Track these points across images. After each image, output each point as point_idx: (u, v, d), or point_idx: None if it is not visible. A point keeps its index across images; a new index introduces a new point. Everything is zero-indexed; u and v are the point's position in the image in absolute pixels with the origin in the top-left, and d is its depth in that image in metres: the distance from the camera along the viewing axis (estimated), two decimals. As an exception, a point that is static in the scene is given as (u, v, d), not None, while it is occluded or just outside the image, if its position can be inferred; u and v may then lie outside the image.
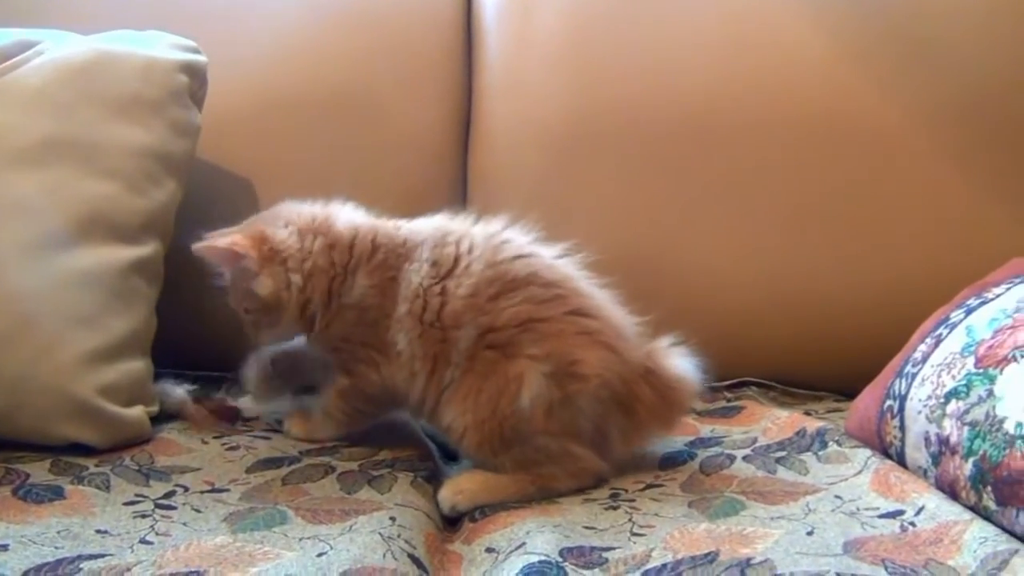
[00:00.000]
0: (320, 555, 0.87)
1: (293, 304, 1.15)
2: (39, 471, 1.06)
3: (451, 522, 1.05)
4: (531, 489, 1.06)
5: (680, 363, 1.13)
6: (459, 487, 1.07)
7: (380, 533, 0.91)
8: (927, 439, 1.03)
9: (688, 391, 1.13)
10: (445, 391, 1.10)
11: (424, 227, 1.17)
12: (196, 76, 1.34)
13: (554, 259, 1.15)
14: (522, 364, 1.06)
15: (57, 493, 1.01)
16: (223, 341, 1.35)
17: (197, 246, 1.14)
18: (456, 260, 1.11)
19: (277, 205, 1.21)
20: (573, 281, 1.13)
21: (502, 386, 1.06)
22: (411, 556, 0.89)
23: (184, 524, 0.95)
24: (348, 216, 1.20)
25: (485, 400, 1.07)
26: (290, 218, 1.17)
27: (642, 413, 1.11)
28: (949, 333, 1.09)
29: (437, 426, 1.15)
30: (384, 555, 0.87)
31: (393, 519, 0.95)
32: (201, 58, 1.36)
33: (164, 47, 1.33)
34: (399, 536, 0.92)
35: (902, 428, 1.08)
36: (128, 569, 0.85)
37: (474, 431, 1.08)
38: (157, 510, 0.98)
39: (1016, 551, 0.84)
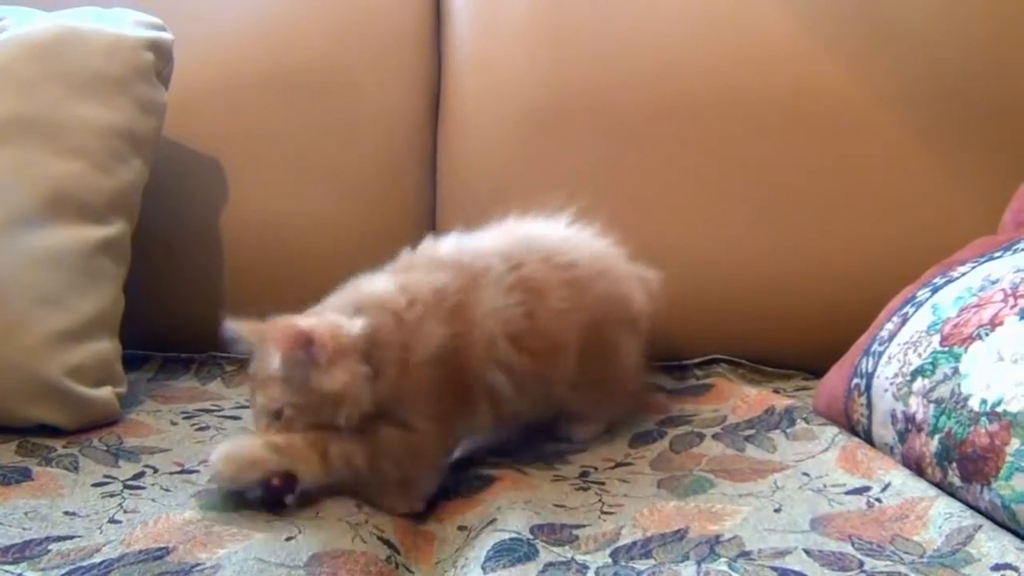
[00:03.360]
0: (289, 539, 0.86)
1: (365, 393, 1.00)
2: (6, 453, 1.06)
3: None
4: None
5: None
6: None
7: (347, 520, 0.91)
8: (893, 416, 1.04)
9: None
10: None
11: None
12: (162, 54, 1.33)
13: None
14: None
15: (24, 475, 1.00)
16: (191, 322, 1.35)
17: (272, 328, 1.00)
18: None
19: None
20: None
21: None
22: (380, 538, 0.89)
23: (153, 500, 0.95)
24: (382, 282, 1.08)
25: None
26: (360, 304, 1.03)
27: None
28: (915, 312, 1.10)
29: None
30: (352, 539, 0.87)
31: (360, 506, 0.95)
32: (167, 35, 1.34)
33: (129, 24, 1.32)
34: (367, 521, 0.92)
35: (869, 406, 1.09)
36: (97, 549, 0.84)
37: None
38: (126, 490, 0.98)
39: (980, 526, 0.85)
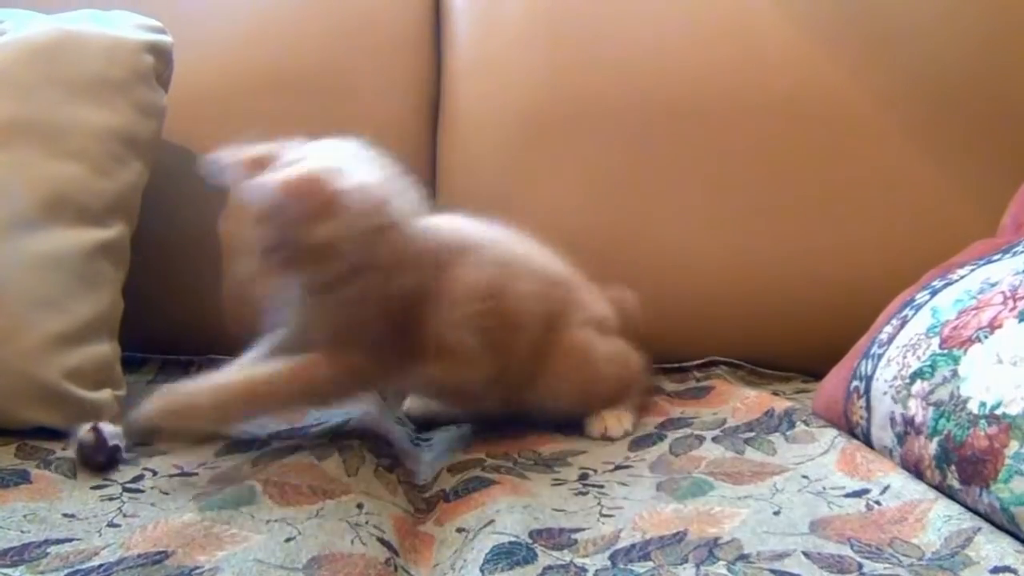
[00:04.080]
0: (288, 540, 0.86)
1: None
2: (5, 455, 1.06)
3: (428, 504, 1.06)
4: None
5: None
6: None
7: (347, 521, 0.91)
8: (893, 419, 1.04)
9: None
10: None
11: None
12: (162, 57, 1.33)
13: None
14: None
15: (23, 477, 1.00)
16: (191, 325, 1.34)
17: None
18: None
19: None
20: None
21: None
22: (380, 540, 0.89)
23: (152, 504, 0.95)
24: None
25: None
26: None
27: None
28: (914, 314, 1.10)
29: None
30: (352, 541, 0.87)
31: (360, 506, 0.95)
32: (167, 38, 1.34)
33: (129, 27, 1.32)
34: (367, 523, 0.92)
35: (868, 408, 1.08)
36: (96, 552, 0.84)
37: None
38: (125, 493, 0.98)
39: (979, 529, 0.85)
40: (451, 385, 1.15)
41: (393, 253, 1.05)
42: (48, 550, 0.85)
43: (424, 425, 1.28)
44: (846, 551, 0.84)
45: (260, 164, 1.03)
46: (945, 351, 1.00)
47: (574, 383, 1.18)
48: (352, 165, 1.04)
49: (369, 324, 1.06)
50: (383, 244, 1.04)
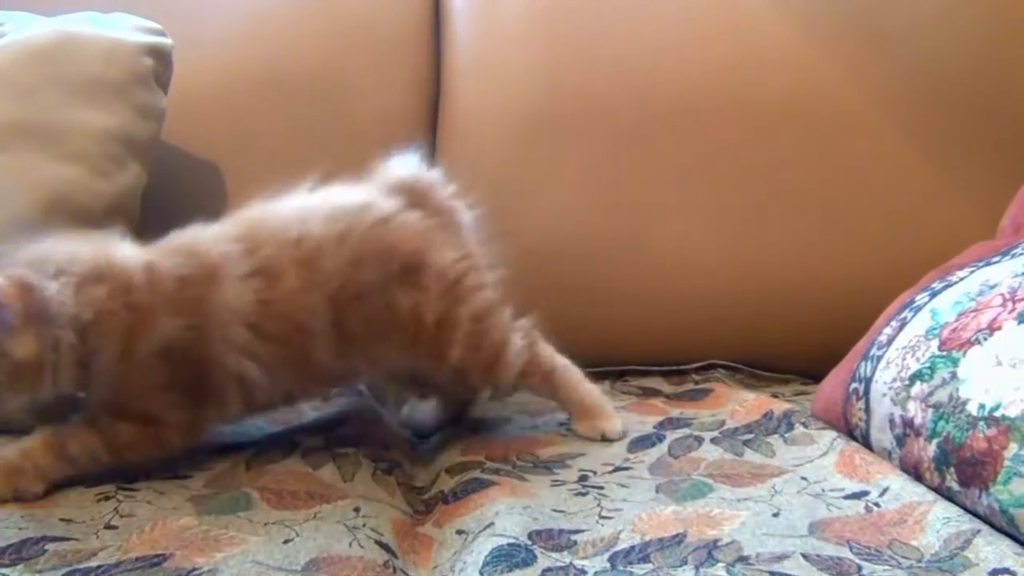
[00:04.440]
0: (286, 542, 0.86)
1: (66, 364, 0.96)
2: (2, 458, 1.05)
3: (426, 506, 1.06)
4: None
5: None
6: None
7: (345, 524, 0.91)
8: (892, 421, 1.03)
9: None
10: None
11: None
12: (161, 59, 1.33)
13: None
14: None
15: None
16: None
17: None
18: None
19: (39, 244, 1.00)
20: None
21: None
22: (378, 542, 0.89)
23: (148, 503, 0.95)
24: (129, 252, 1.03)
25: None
26: (61, 266, 0.97)
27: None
28: (914, 316, 1.10)
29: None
30: (350, 544, 0.87)
31: (357, 509, 0.95)
32: (166, 40, 1.34)
33: (129, 29, 1.32)
34: (364, 525, 0.92)
35: (867, 410, 1.08)
36: (94, 554, 0.84)
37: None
38: (120, 492, 0.97)
39: (978, 531, 0.85)
40: (264, 403, 1.09)
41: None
42: (46, 547, 0.85)
43: (424, 434, 1.27)
44: (845, 553, 0.84)
45: None
46: (944, 353, 1.00)
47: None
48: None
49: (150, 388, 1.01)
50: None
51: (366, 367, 1.15)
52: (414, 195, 1.14)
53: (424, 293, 1.11)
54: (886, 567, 0.82)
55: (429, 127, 1.55)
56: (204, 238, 1.06)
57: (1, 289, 0.91)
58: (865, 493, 0.96)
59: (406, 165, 1.18)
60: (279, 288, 1.05)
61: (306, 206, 1.12)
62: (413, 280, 1.10)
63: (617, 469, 1.09)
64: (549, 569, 0.83)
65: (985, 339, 0.97)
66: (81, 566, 0.82)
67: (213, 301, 1.02)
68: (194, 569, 0.81)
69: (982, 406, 0.92)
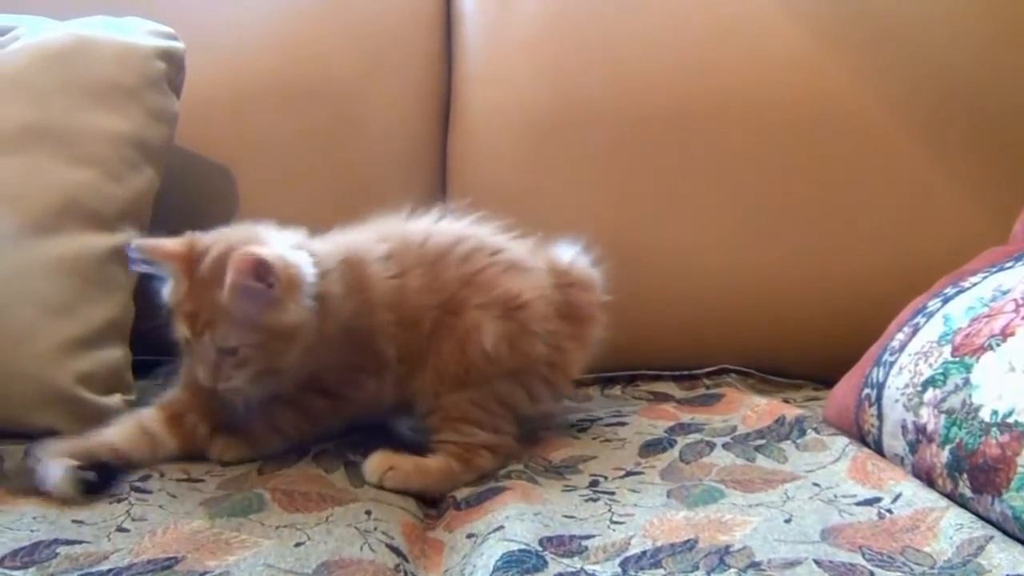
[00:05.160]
0: (298, 545, 0.87)
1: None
2: (15, 459, 1.06)
3: (432, 504, 1.06)
4: (457, 470, 1.07)
5: (577, 259, 1.21)
6: (391, 463, 1.05)
7: (356, 527, 0.91)
8: (904, 427, 1.03)
9: (595, 283, 1.20)
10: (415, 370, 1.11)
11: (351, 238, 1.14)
12: (174, 63, 1.33)
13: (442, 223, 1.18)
14: (473, 315, 1.09)
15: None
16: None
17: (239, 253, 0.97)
18: (390, 257, 1.11)
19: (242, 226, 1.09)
20: (474, 232, 1.17)
21: (462, 338, 1.08)
22: (389, 546, 0.89)
23: (160, 507, 0.95)
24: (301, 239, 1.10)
25: (447, 355, 1.09)
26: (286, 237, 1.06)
27: (584, 310, 1.17)
28: (926, 322, 1.09)
29: (410, 408, 1.14)
30: (361, 547, 0.87)
31: (369, 512, 0.95)
32: (179, 45, 1.35)
33: (142, 33, 1.32)
34: (376, 529, 0.92)
35: (880, 416, 1.08)
36: (105, 556, 0.84)
37: (439, 381, 1.09)
38: (133, 492, 0.98)
39: (991, 537, 0.84)
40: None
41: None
42: (58, 551, 0.85)
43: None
44: (858, 559, 0.84)
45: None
46: (957, 359, 1.00)
47: (457, 367, 1.11)
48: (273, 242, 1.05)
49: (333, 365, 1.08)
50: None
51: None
52: (568, 292, 1.18)
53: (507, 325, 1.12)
54: (899, 573, 0.81)
55: (440, 134, 1.55)
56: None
57: (271, 258, 0.96)
58: (878, 499, 0.95)
59: (575, 256, 1.22)
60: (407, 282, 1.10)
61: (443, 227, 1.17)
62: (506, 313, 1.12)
63: (628, 474, 1.08)
64: (560, 574, 0.83)
65: (998, 345, 0.96)
66: (93, 569, 0.82)
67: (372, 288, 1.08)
68: (206, 572, 0.81)
69: (995, 412, 0.92)
